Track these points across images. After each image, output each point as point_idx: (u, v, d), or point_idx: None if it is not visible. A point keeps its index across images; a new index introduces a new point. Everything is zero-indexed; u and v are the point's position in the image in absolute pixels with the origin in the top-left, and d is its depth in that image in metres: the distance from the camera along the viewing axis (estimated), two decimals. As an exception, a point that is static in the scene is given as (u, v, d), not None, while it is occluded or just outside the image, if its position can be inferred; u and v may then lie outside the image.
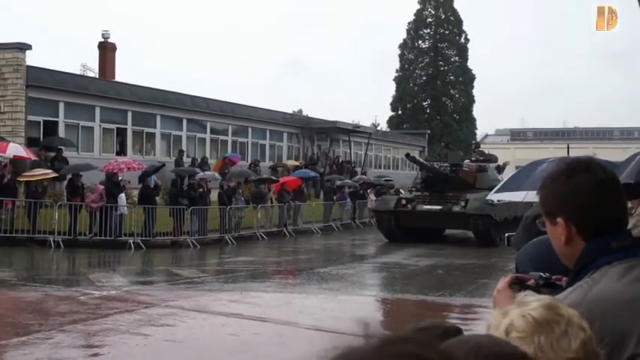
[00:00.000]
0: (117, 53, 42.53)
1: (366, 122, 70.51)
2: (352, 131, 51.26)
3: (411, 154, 33.19)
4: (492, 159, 66.44)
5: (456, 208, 27.79)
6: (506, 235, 3.32)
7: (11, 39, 32.29)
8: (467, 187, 29.05)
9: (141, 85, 37.55)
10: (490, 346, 1.60)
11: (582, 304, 2.22)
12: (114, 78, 40.17)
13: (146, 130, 37.20)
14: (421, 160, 33.51)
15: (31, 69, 31.21)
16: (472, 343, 1.58)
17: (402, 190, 33.50)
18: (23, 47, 31.16)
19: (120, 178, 26.29)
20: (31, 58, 31.62)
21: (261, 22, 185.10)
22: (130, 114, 36.02)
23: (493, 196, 11.75)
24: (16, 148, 25.78)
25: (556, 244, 2.55)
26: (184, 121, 39.55)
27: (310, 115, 55.55)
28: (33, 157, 26.78)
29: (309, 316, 13.73)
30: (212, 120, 41.44)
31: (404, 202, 29.09)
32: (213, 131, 41.80)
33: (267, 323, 12.60)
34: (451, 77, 71.81)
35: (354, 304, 15.99)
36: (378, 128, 69.99)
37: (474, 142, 40.36)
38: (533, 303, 1.95)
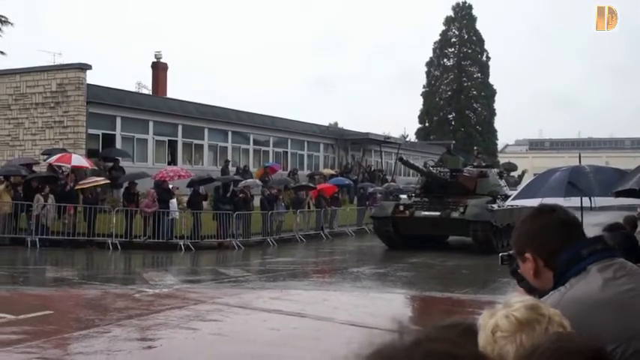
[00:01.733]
0: (168, 72, 42.90)
1: (395, 134, 70.46)
2: (383, 142, 51.20)
3: (404, 158, 30.16)
4: (512, 167, 65.78)
5: (455, 215, 25.30)
6: (500, 255, 3.10)
7: (73, 60, 32.72)
8: (467, 193, 26.54)
9: (190, 101, 37.80)
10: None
11: (557, 307, 2.25)
12: (165, 94, 40.49)
13: (195, 142, 37.42)
14: (416, 164, 30.80)
15: (91, 87, 31.55)
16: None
17: (401, 196, 30.13)
18: (84, 67, 31.53)
19: (170, 185, 26.44)
20: (91, 77, 32.06)
21: (291, 42, 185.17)
22: (180, 127, 36.25)
23: (511, 202, 11.62)
24: (78, 159, 26.23)
25: (528, 278, 2.64)
26: (230, 134, 39.73)
27: (344, 128, 55.55)
28: (91, 166, 27.10)
29: (344, 312, 13.68)
30: (255, 132, 41.60)
31: (402, 208, 26.45)
32: (256, 142, 41.96)
33: (306, 318, 12.57)
34: (474, 92, 71.54)
35: (386, 301, 15.93)
36: (407, 139, 69.85)
37: (475, 148, 37.36)
38: (517, 304, 1.97)
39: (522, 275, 2.74)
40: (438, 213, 25.56)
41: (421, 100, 72.34)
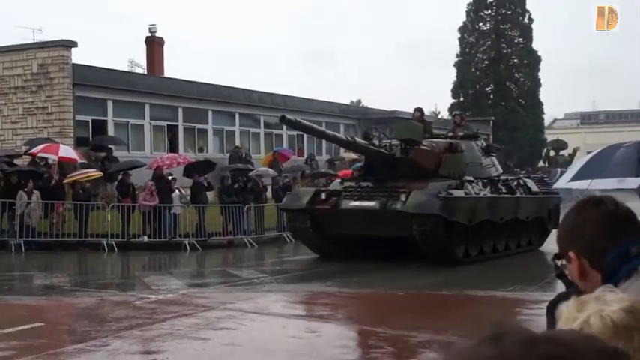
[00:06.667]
0: (164, 48, 42.76)
1: (426, 110, 70.23)
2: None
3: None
4: (562, 145, 65.14)
5: (396, 206, 19.51)
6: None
7: (56, 37, 32.73)
8: (426, 175, 20.65)
9: (191, 80, 37.75)
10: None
11: None
12: (163, 74, 40.39)
13: (198, 126, 37.43)
14: (343, 136, 24.70)
15: (77, 67, 31.57)
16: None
17: (336, 181, 24.41)
18: (69, 45, 31.52)
19: (168, 175, 26.57)
20: (77, 56, 32.10)
21: (285, 13, 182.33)
22: (180, 110, 36.27)
23: (566, 185, 11.22)
24: (66, 150, 26.15)
25: (574, 279, 2.58)
26: (237, 116, 39.68)
27: (368, 106, 55.41)
28: (80, 160, 27.05)
29: (375, 313, 13.67)
30: (265, 114, 41.43)
31: (323, 196, 20.96)
32: (267, 125, 41.84)
33: (330, 324, 12.58)
34: (515, 60, 71.00)
35: (426, 302, 15.91)
36: (439, 117, 69.61)
37: (457, 112, 30.67)
38: (614, 304, 1.83)
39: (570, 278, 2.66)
40: (372, 203, 20.07)
41: (454, 71, 72.01)
